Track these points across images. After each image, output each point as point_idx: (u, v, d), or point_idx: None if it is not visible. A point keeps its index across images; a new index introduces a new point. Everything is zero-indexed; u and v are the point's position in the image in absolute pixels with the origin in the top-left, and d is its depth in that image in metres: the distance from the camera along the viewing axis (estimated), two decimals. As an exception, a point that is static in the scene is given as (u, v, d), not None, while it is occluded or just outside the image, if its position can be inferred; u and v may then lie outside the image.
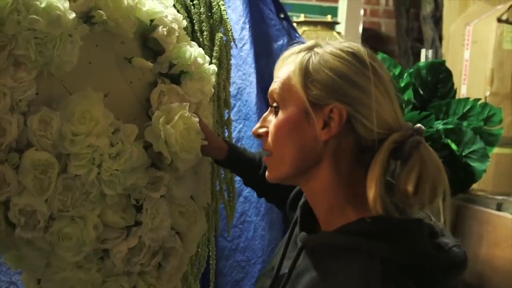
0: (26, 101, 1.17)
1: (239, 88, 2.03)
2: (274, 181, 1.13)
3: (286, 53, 1.12)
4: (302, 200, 1.19)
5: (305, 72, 1.05)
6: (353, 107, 1.02)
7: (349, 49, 1.05)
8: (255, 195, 1.93)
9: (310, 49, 1.08)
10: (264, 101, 2.11)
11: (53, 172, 1.19)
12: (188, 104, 1.33)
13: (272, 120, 1.11)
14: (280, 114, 1.08)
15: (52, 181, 1.19)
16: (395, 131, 1.02)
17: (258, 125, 1.15)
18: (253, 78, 2.07)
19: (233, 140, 1.63)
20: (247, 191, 1.97)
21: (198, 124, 1.33)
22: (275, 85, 1.11)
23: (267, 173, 1.14)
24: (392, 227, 0.99)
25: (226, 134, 1.61)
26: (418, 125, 1.04)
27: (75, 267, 1.26)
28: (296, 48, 1.11)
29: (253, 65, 2.08)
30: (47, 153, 1.19)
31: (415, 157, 0.99)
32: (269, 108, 1.14)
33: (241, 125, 2.00)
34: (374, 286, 0.93)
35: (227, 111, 1.61)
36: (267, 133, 1.12)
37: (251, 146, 2.00)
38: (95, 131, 1.21)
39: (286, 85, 1.07)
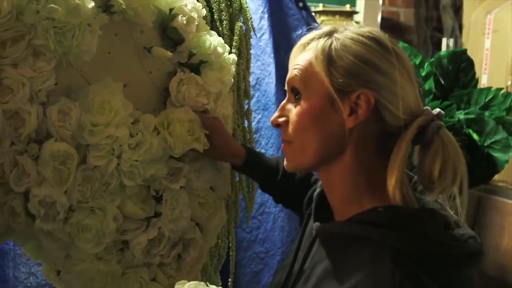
0: (45, 92, 1.17)
1: (257, 78, 2.01)
2: (293, 171, 1.11)
3: (304, 40, 1.08)
4: (318, 190, 1.17)
5: (328, 58, 1.02)
6: (379, 93, 1.00)
7: (370, 35, 1.03)
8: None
9: (329, 34, 1.05)
10: (283, 91, 2.09)
11: (72, 163, 1.18)
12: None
13: (292, 109, 1.08)
14: (303, 103, 1.05)
15: (72, 172, 1.18)
16: (417, 116, 1.00)
17: (276, 114, 1.11)
18: (272, 68, 2.05)
19: (252, 131, 1.61)
20: (266, 182, 1.95)
21: (195, 120, 1.32)
22: (295, 72, 1.07)
23: (285, 162, 1.11)
24: (405, 216, 0.97)
25: (246, 125, 1.59)
26: (438, 109, 1.03)
27: (95, 258, 1.25)
28: (314, 34, 1.07)
29: (272, 55, 2.06)
30: (67, 144, 1.18)
31: (437, 141, 0.98)
32: (287, 96, 1.10)
33: (260, 115, 1.99)
34: (384, 275, 0.91)
35: (247, 101, 1.59)
36: (286, 122, 1.09)
37: (270, 136, 1.98)
38: (115, 121, 1.20)
39: (309, 72, 1.04)
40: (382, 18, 3.99)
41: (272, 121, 1.13)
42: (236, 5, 1.51)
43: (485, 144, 2.07)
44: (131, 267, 1.29)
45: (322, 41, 1.04)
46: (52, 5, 1.11)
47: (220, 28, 1.48)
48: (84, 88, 1.21)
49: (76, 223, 1.20)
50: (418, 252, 0.94)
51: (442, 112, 1.03)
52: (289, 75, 1.09)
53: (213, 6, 1.48)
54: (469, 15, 3.45)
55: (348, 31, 1.04)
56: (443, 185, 0.96)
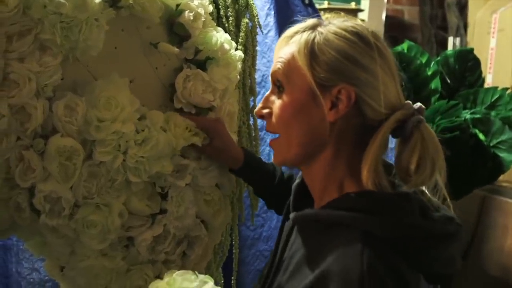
0: (52, 86, 1.16)
1: (263, 75, 2.00)
2: (281, 165, 1.13)
3: (288, 33, 1.09)
4: (297, 181, 1.18)
5: (311, 52, 1.03)
6: (360, 88, 1.01)
7: (353, 29, 1.04)
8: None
9: (313, 28, 1.06)
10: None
11: (78, 158, 1.18)
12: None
13: (275, 101, 1.09)
14: (285, 96, 1.06)
15: (77, 168, 1.18)
16: (397, 110, 1.02)
17: (260, 105, 1.12)
18: (277, 65, 2.04)
19: (258, 128, 1.61)
20: (270, 179, 1.95)
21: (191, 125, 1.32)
22: (278, 65, 1.08)
23: (273, 157, 1.13)
24: (377, 201, 0.99)
25: (252, 122, 1.58)
26: (419, 104, 1.04)
27: (100, 254, 1.25)
28: (298, 27, 1.08)
29: (278, 52, 2.05)
30: (72, 139, 1.17)
31: (416, 135, 0.99)
32: (271, 88, 1.11)
33: (264, 112, 1.98)
34: (353, 256, 0.92)
35: (252, 98, 1.58)
36: (270, 114, 1.10)
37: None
38: (121, 117, 1.19)
39: (291, 65, 1.05)
40: (387, 16, 3.99)
41: (256, 112, 1.13)
42: (242, 1, 1.50)
43: (491, 144, 2.06)
44: (136, 264, 1.29)
45: (305, 35, 1.05)
46: (60, 0, 1.10)
47: (226, 25, 1.48)
48: (91, 83, 1.20)
49: (81, 219, 1.20)
50: (389, 234, 0.96)
51: (423, 106, 1.04)
52: (272, 68, 1.10)
53: (219, 2, 1.48)
54: (474, 13, 3.44)
55: (332, 25, 1.05)
56: (420, 179, 0.98)
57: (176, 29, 1.31)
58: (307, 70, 1.03)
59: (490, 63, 3.18)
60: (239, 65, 1.40)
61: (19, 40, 1.11)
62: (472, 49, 2.25)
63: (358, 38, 1.03)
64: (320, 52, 1.02)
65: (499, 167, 2.09)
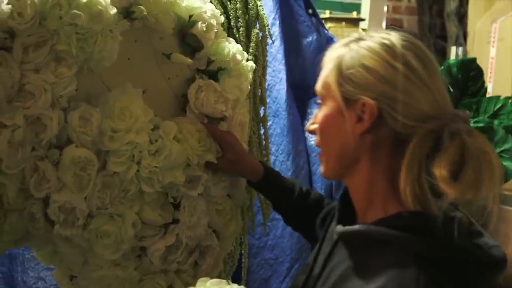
0: (67, 97, 1.17)
1: (268, 85, 2.01)
2: (327, 177, 1.15)
3: (330, 49, 1.13)
4: (342, 192, 1.19)
5: (339, 69, 1.06)
6: (382, 101, 1.02)
7: (383, 41, 1.05)
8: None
9: (347, 45, 1.08)
10: (293, 98, 2.09)
11: (92, 169, 1.18)
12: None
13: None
14: (322, 111, 1.11)
15: (92, 178, 1.18)
16: (432, 120, 1.01)
17: (310, 121, 1.17)
18: (283, 75, 2.05)
19: (268, 137, 1.61)
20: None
21: (202, 130, 1.33)
22: (318, 83, 1.13)
23: (320, 168, 1.16)
24: (429, 223, 0.98)
25: (262, 132, 1.59)
26: (464, 111, 1.04)
27: (113, 264, 1.25)
28: (336, 44, 1.12)
29: (283, 62, 2.07)
30: (87, 150, 1.18)
31: (454, 145, 0.97)
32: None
33: (270, 122, 1.99)
34: (409, 280, 0.92)
35: (262, 108, 1.59)
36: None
37: (280, 143, 1.98)
38: (135, 127, 1.20)
39: (325, 82, 1.10)
40: (387, 26, 4.01)
41: (306, 128, 1.19)
42: (252, 12, 1.51)
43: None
44: (148, 274, 1.29)
45: (338, 52, 1.09)
46: (75, 11, 1.11)
47: (237, 35, 1.49)
48: (104, 94, 1.21)
49: (95, 229, 1.20)
50: (442, 259, 0.96)
51: (467, 113, 1.03)
52: (316, 85, 1.14)
53: (230, 13, 1.49)
54: (474, 23, 3.46)
55: (366, 39, 1.07)
56: (459, 189, 0.95)
57: (189, 39, 1.31)
58: (335, 85, 1.06)
59: (490, 72, 3.20)
60: (250, 76, 1.40)
61: (35, 51, 1.12)
62: (475, 59, 2.26)
63: (384, 49, 1.04)
64: (346, 68, 1.05)
65: (503, 176, 2.10)
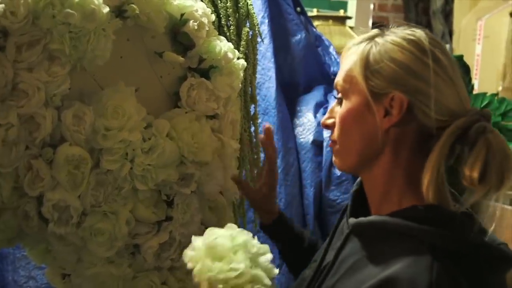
0: (60, 96, 1.17)
1: (258, 83, 2.02)
2: (343, 171, 1.19)
3: (350, 44, 1.13)
4: (354, 188, 1.20)
5: (366, 62, 1.06)
6: (413, 95, 1.02)
7: (410, 37, 1.05)
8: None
9: (371, 39, 1.09)
10: (283, 95, 2.10)
11: (86, 167, 1.19)
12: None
13: (338, 111, 1.12)
14: (344, 105, 1.10)
15: (85, 176, 1.19)
16: (459, 116, 1.02)
17: (326, 116, 1.17)
18: (272, 73, 2.06)
19: (259, 135, 1.62)
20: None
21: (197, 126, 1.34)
22: (338, 77, 1.12)
23: (334, 159, 1.16)
24: (444, 216, 0.99)
25: (253, 129, 1.60)
26: (486, 109, 1.05)
27: (107, 262, 1.26)
28: (359, 38, 1.12)
29: (272, 60, 2.08)
30: (81, 148, 1.18)
31: (480, 143, 0.98)
32: (336, 99, 1.15)
33: (260, 120, 1.99)
34: (423, 267, 0.94)
35: (253, 105, 1.60)
36: (334, 124, 1.13)
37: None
38: (128, 125, 1.21)
39: (349, 76, 1.09)
40: (373, 23, 4.03)
41: (322, 123, 1.18)
42: (243, 10, 1.52)
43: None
44: (142, 271, 1.30)
45: (362, 45, 1.09)
46: (68, 10, 1.12)
47: (228, 34, 1.50)
48: (97, 93, 1.22)
49: (89, 227, 1.21)
50: (456, 251, 0.97)
51: (490, 112, 1.03)
52: (335, 80, 1.14)
53: (220, 11, 1.49)
54: (460, 21, 3.49)
55: (391, 34, 1.08)
56: (486, 188, 0.96)
57: (180, 38, 1.32)
58: (361, 79, 1.06)
59: (476, 70, 3.23)
60: (241, 74, 1.41)
61: (28, 50, 1.13)
62: (461, 56, 2.27)
63: (413, 45, 1.04)
64: (374, 62, 1.05)
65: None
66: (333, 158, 1.16)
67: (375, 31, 1.11)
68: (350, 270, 1.03)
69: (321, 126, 1.19)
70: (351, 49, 1.11)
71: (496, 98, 2.20)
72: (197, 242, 1.08)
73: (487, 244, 0.99)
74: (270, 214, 1.44)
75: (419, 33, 1.07)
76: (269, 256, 1.08)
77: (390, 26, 1.11)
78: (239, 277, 1.02)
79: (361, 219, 1.07)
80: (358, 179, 1.19)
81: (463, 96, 1.05)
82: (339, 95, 1.12)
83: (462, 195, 1.03)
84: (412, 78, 1.03)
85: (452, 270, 0.95)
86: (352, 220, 1.09)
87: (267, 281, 1.05)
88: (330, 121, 1.15)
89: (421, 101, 1.02)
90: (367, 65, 1.06)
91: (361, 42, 1.09)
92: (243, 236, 1.08)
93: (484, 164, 0.97)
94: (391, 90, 1.03)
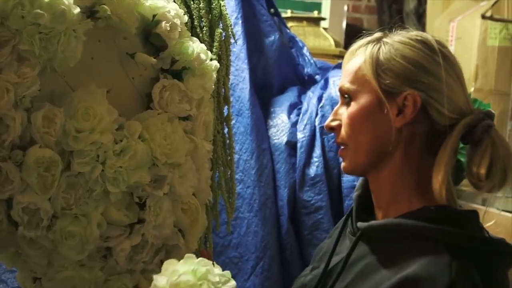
0: (30, 97, 1.15)
1: (232, 84, 2.02)
2: (350, 172, 1.16)
3: (354, 47, 1.13)
4: (356, 193, 1.20)
5: (376, 61, 1.07)
6: (426, 93, 1.04)
7: (418, 37, 1.08)
8: (248, 191, 1.93)
9: (378, 40, 1.10)
10: (257, 97, 2.10)
11: (56, 169, 1.17)
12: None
13: (344, 113, 1.11)
14: (353, 105, 1.10)
15: (56, 179, 1.17)
16: (466, 115, 1.04)
17: (330, 118, 1.16)
18: (246, 74, 2.06)
19: (233, 136, 1.62)
20: (240, 187, 1.96)
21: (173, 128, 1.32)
22: (344, 80, 1.12)
23: (343, 164, 1.15)
24: (455, 216, 1.02)
25: (226, 131, 1.60)
26: (489, 109, 1.07)
27: (78, 265, 1.24)
28: (363, 40, 1.12)
29: (246, 61, 2.08)
30: (51, 150, 1.17)
31: (486, 140, 1.02)
32: (340, 101, 1.14)
33: (234, 121, 1.99)
34: (442, 266, 0.96)
35: (226, 107, 1.60)
36: (339, 126, 1.13)
37: (244, 142, 1.99)
38: (99, 127, 1.19)
39: (358, 76, 1.09)
40: (347, 24, 4.05)
41: (326, 125, 1.17)
42: (215, 11, 1.51)
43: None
44: (114, 274, 1.28)
45: (370, 47, 1.09)
46: (38, 11, 1.10)
47: (200, 35, 1.49)
48: (68, 94, 1.20)
49: (59, 230, 1.19)
50: (471, 249, 0.99)
51: (493, 111, 1.07)
52: (340, 81, 1.13)
53: (193, 12, 1.49)
54: (432, 22, 3.51)
55: (398, 35, 1.10)
56: (491, 184, 1.01)
57: (152, 39, 1.31)
58: (372, 78, 1.07)
59: (449, 71, 3.25)
60: (214, 75, 1.41)
61: (-4, 51, 1.11)
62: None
63: (423, 44, 1.06)
64: (385, 60, 1.06)
65: (461, 172, 2.14)
66: (341, 162, 1.15)
67: (378, 34, 1.11)
68: (360, 273, 1.04)
69: (326, 129, 1.18)
70: (358, 50, 1.11)
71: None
72: (160, 282, 1.07)
73: (496, 240, 1.03)
74: None
75: (425, 34, 1.10)
76: (232, 283, 1.07)
77: (393, 30, 1.12)
78: None
79: (373, 222, 1.08)
80: (359, 183, 1.19)
81: (467, 94, 1.08)
82: (346, 95, 1.11)
83: None
84: (425, 75, 1.04)
85: (469, 268, 0.97)
86: (362, 224, 1.09)
87: None
88: (335, 123, 1.14)
89: (434, 98, 1.04)
90: (378, 64, 1.06)
91: (366, 44, 1.10)
92: (204, 267, 1.07)
93: (490, 161, 0.99)
94: (404, 89, 1.05)
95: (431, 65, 1.04)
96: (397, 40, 1.07)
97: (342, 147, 1.14)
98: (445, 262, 0.96)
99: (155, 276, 1.09)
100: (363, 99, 1.08)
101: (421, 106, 1.04)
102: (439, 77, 1.04)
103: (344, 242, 1.15)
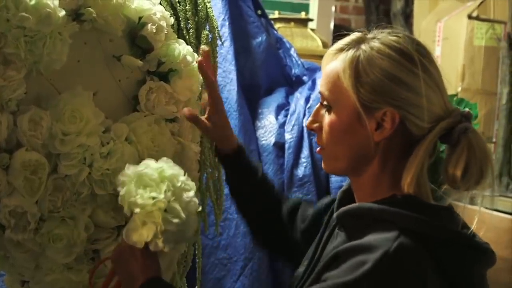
0: (16, 101, 1.16)
1: (219, 85, 2.02)
2: (329, 173, 1.23)
3: (333, 49, 1.12)
4: (343, 188, 1.22)
5: (355, 73, 1.06)
6: (405, 109, 1.05)
7: (396, 45, 1.06)
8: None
9: (357, 44, 1.08)
10: (245, 97, 2.11)
11: (43, 172, 1.17)
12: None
13: (325, 116, 1.12)
14: (333, 114, 1.10)
15: (43, 182, 1.17)
16: (443, 119, 1.05)
17: (311, 119, 1.16)
18: (233, 76, 2.07)
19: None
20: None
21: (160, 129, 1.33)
22: (323, 86, 1.12)
23: (323, 164, 1.17)
24: (419, 205, 1.03)
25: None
26: (467, 110, 1.07)
27: (65, 268, 1.25)
28: (343, 42, 1.11)
29: (233, 62, 2.08)
30: (38, 153, 1.17)
31: (463, 142, 1.02)
32: (321, 100, 1.15)
33: (221, 122, 1.99)
34: (386, 238, 0.98)
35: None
36: (320, 128, 1.14)
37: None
38: (86, 130, 1.20)
39: (337, 86, 1.09)
40: (335, 25, 4.06)
41: (307, 126, 1.18)
42: (202, 13, 1.51)
43: (440, 149, 2.12)
44: (102, 277, 1.28)
45: (350, 53, 1.07)
46: (23, 14, 1.10)
47: (187, 37, 1.49)
48: (54, 97, 1.21)
49: (47, 233, 1.19)
50: (430, 237, 1.00)
51: (471, 112, 1.07)
52: (320, 84, 1.14)
53: (179, 14, 1.48)
54: (420, 23, 3.53)
55: (376, 41, 1.07)
56: (467, 185, 1.02)
57: (138, 42, 1.31)
58: (352, 92, 1.06)
59: (436, 71, 3.27)
60: (201, 77, 1.41)
61: (-18, 54, 1.11)
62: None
63: (401, 55, 1.05)
64: (364, 73, 1.05)
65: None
66: (322, 162, 1.17)
67: (358, 34, 1.10)
68: (330, 259, 1.05)
69: (307, 129, 1.19)
70: (336, 54, 1.10)
71: (454, 99, 2.24)
72: (128, 170, 1.13)
73: (465, 235, 1.03)
74: (228, 142, 1.39)
75: (404, 41, 1.07)
76: (192, 193, 1.14)
77: (373, 29, 1.11)
78: (155, 205, 1.08)
79: (342, 208, 1.10)
80: (348, 180, 1.21)
81: (446, 97, 1.08)
82: (325, 103, 1.12)
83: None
84: (403, 90, 1.04)
85: (416, 248, 0.98)
86: (336, 213, 1.12)
87: (182, 215, 1.10)
88: (315, 125, 1.15)
89: (413, 114, 1.04)
90: (357, 76, 1.06)
91: (346, 48, 1.09)
92: (172, 170, 1.13)
93: (466, 162, 1.00)
94: (382, 105, 1.05)
95: (410, 78, 1.04)
96: (375, 49, 1.06)
97: (320, 147, 1.16)
98: (390, 237, 0.97)
99: (127, 165, 1.15)
100: (343, 111, 1.09)
101: (400, 121, 1.05)
102: (419, 92, 1.03)
103: (327, 232, 1.17)
